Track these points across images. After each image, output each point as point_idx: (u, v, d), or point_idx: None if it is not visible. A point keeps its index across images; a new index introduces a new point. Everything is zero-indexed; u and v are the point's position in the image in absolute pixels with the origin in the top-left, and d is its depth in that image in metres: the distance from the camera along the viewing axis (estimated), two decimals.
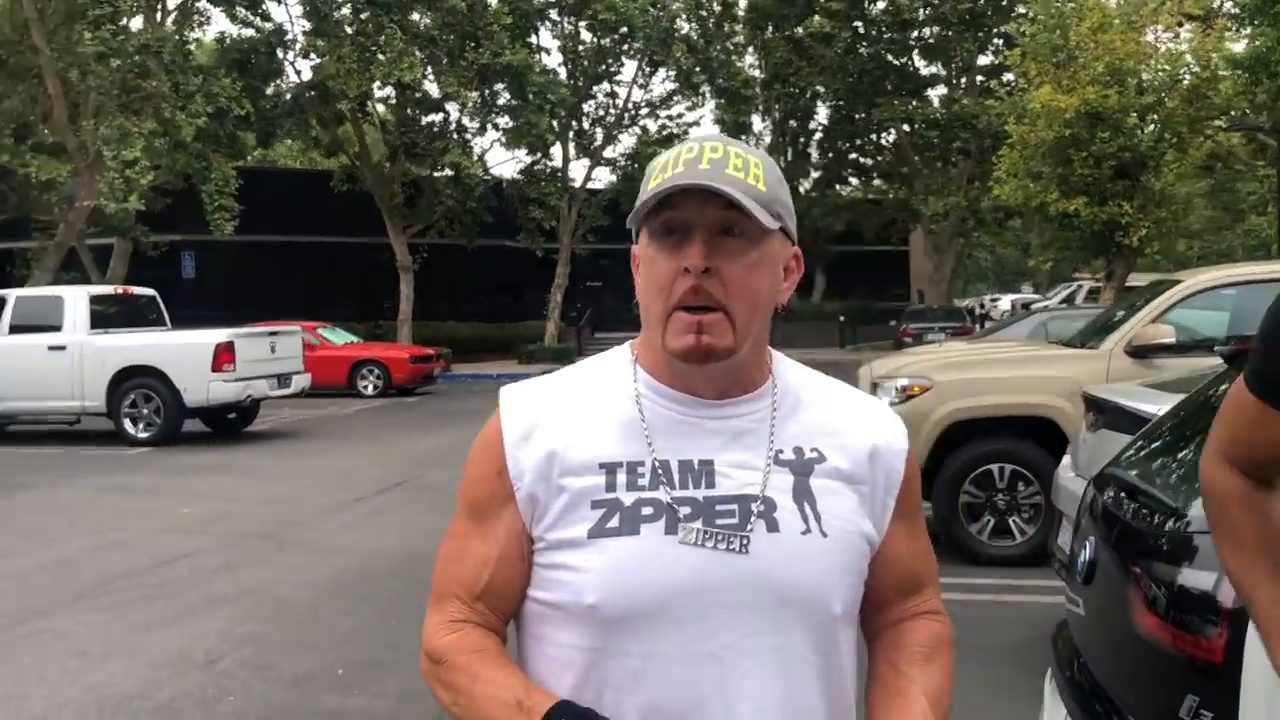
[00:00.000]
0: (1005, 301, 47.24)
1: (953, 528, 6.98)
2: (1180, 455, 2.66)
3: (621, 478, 1.27)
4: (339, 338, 22.26)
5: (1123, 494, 2.57)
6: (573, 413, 1.32)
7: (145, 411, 13.96)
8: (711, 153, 1.26)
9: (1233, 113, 18.52)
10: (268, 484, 10.91)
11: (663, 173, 1.26)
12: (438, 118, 27.64)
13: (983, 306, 43.14)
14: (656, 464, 1.28)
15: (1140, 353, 6.82)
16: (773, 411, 1.33)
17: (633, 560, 1.24)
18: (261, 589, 6.77)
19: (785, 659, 1.26)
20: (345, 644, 5.67)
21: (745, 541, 1.25)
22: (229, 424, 15.21)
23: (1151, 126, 17.28)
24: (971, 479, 6.97)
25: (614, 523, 1.25)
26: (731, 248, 1.25)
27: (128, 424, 13.96)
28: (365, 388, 21.04)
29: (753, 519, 1.26)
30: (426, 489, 10.43)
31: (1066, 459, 5.58)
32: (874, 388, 7.39)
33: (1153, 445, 2.82)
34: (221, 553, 7.80)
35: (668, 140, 30.21)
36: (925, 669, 1.36)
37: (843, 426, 1.36)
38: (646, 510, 1.25)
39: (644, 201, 1.25)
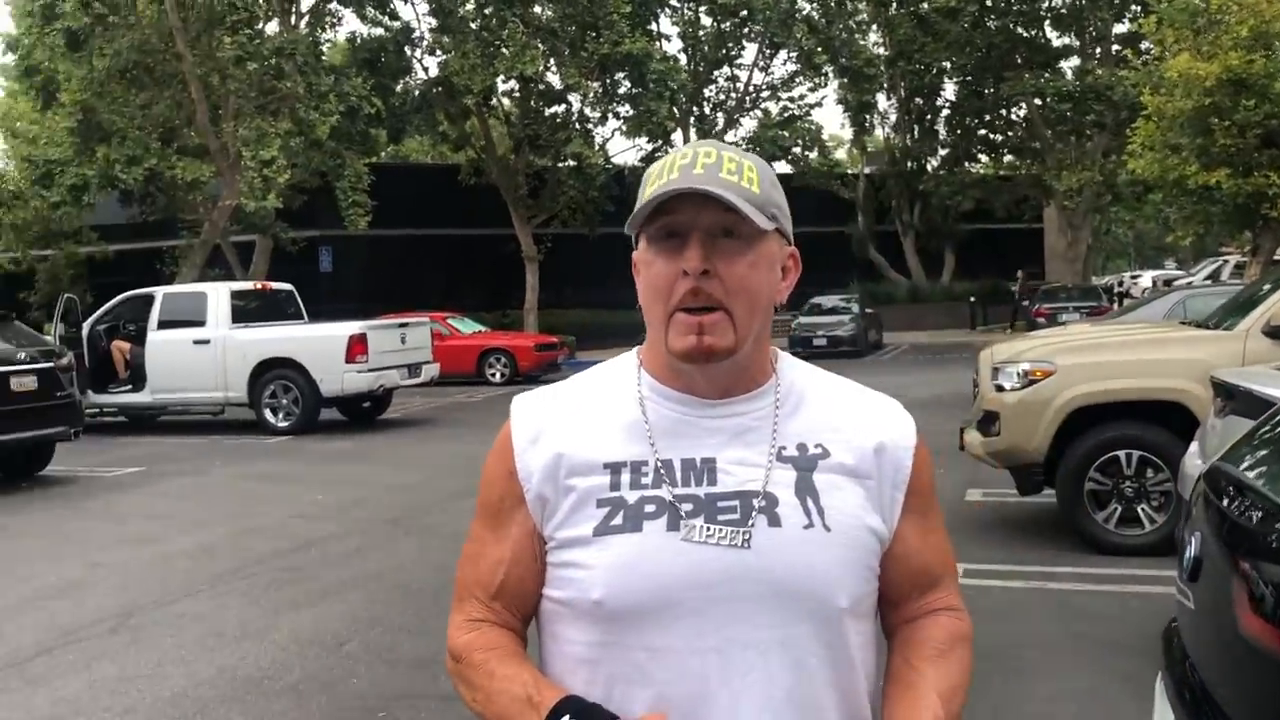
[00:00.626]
0: (1146, 278, 45.37)
1: (1078, 516, 6.78)
2: None
3: (625, 477, 1.31)
4: (467, 327, 22.77)
5: (1231, 487, 2.47)
6: (579, 416, 1.36)
7: (284, 401, 14.55)
8: (705, 158, 1.28)
9: None
10: (398, 470, 11.26)
11: (658, 179, 1.29)
12: (560, 109, 27.97)
13: (1122, 284, 41.52)
14: (659, 463, 1.31)
15: (1279, 334, 6.50)
16: (775, 409, 1.35)
17: (636, 556, 1.27)
18: (388, 573, 7.01)
19: (790, 652, 1.28)
20: None
21: (747, 537, 1.27)
22: (363, 413, 15.73)
23: None
24: (1097, 465, 6.75)
25: (618, 520, 1.29)
26: (729, 249, 1.27)
27: (268, 414, 14.57)
28: (493, 375, 21.47)
29: (754, 514, 1.28)
30: None
31: (1194, 446, 5.37)
32: (995, 372, 7.22)
33: (1266, 436, 2.70)
34: (352, 538, 8.10)
35: (789, 122, 29.95)
36: (939, 665, 1.37)
37: (847, 423, 1.37)
38: (649, 508, 1.29)
39: (641, 208, 1.28)
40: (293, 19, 24.96)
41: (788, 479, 1.31)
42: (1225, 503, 2.43)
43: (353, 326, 14.55)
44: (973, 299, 33.42)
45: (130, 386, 15.34)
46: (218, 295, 15.17)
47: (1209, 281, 28.47)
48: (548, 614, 1.37)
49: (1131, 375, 6.84)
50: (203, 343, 14.73)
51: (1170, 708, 2.57)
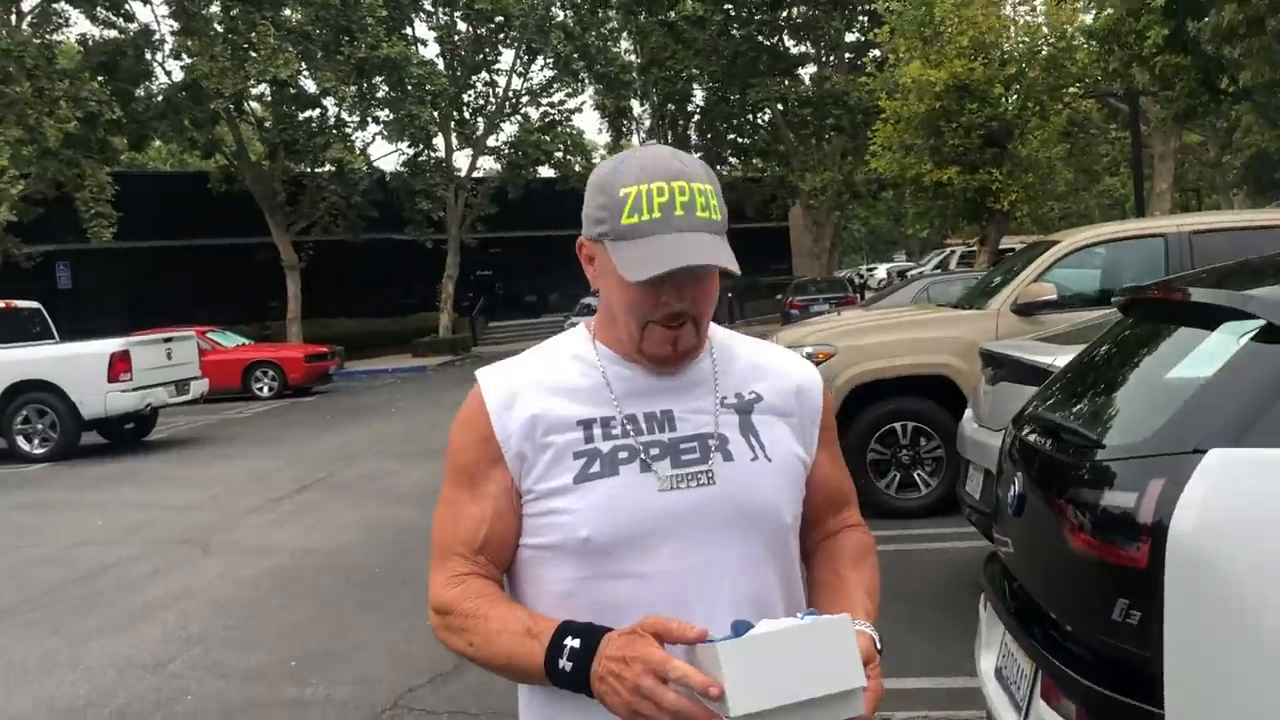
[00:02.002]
0: (881, 270, 48.53)
1: (862, 484, 7.37)
2: (1093, 395, 3.01)
3: (597, 430, 1.51)
4: (229, 340, 21.87)
5: (1044, 432, 2.90)
6: (546, 382, 1.56)
7: (40, 427, 13.60)
8: (680, 195, 1.46)
9: (1086, 81, 19.52)
10: (179, 491, 10.79)
11: (637, 213, 1.45)
12: (316, 113, 27.23)
13: (860, 276, 44.28)
14: (624, 418, 1.52)
15: (1026, 310, 7.29)
16: (714, 366, 1.60)
17: (616, 497, 1.48)
18: (196, 592, 6.80)
19: (751, 564, 1.52)
20: (292, 638, 5.77)
21: (710, 476, 1.51)
22: (127, 434, 14.89)
23: (1015, 96, 18.07)
24: (877, 438, 7.38)
25: (596, 468, 1.49)
26: (702, 278, 1.49)
27: (21, 441, 13.58)
28: (260, 390, 20.73)
29: (711, 452, 1.52)
30: (343, 486, 10.46)
31: (969, 412, 5.98)
32: None
33: (1066, 390, 3.16)
34: (148, 560, 7.77)
35: (550, 127, 30.26)
36: (858, 570, 1.65)
37: (769, 370, 1.64)
38: (623, 455, 1.50)
39: (647, 275, 1.41)
40: (13, 19, 23.20)
41: (733, 421, 1.56)
42: (1040, 446, 2.85)
43: (114, 343, 13.74)
44: (730, 294, 34.83)
45: None
46: None
47: (938, 271, 30.87)
48: (526, 560, 1.54)
49: (902, 354, 7.51)
50: None
51: (1000, 625, 2.98)
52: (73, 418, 13.47)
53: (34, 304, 15.41)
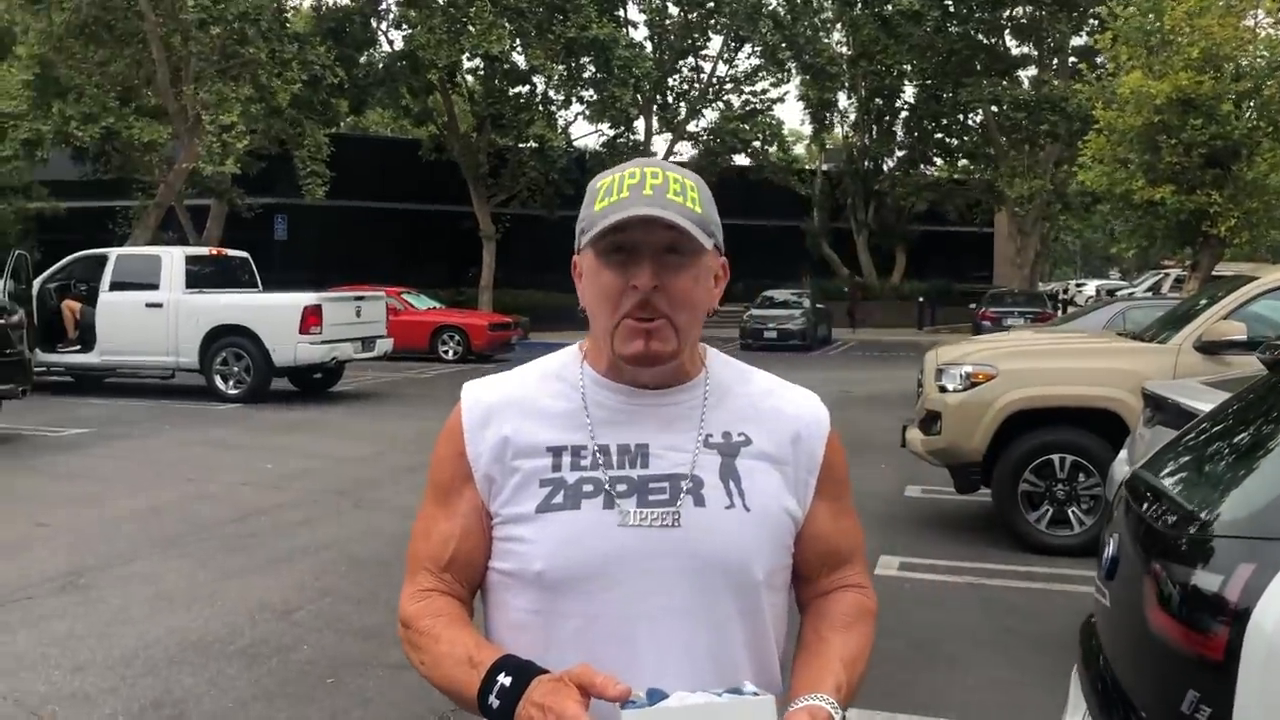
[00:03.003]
0: (1091, 287, 46.23)
1: (1011, 515, 7.04)
2: (1206, 458, 2.75)
3: (566, 459, 1.45)
4: (422, 303, 22.75)
5: (1147, 493, 2.67)
6: (524, 403, 1.51)
7: (235, 369, 14.51)
8: (653, 179, 1.41)
9: None
10: (348, 443, 11.31)
11: (608, 196, 1.41)
12: (524, 89, 27.94)
13: (1067, 291, 42.32)
14: (597, 448, 1.45)
15: (1210, 349, 6.78)
16: (704, 400, 1.50)
17: (574, 532, 1.41)
18: (337, 544, 7.10)
19: (712, 618, 1.43)
20: None
21: (676, 517, 1.42)
22: (314, 384, 15.71)
23: (1248, 114, 16.79)
24: (1032, 468, 7.01)
25: (559, 499, 1.43)
26: (674, 264, 1.41)
27: (218, 380, 14.52)
28: (445, 353, 21.49)
29: (682, 495, 1.43)
30: None
31: (1123, 453, 5.62)
32: (939, 373, 7.46)
33: (1185, 446, 2.90)
34: (301, 508, 8.16)
35: (750, 116, 30.10)
36: (844, 635, 1.52)
37: (768, 414, 1.53)
38: (587, 488, 1.43)
39: (598, 229, 1.39)
40: None
41: (713, 464, 1.46)
42: (1143, 507, 2.63)
43: (307, 297, 14.52)
44: (922, 299, 33.92)
45: (79, 347, 15.21)
46: (172, 259, 15.07)
47: (1149, 294, 29.14)
48: (493, 584, 1.51)
49: (1069, 383, 7.10)
50: (155, 306, 14.63)
51: (1084, 698, 2.77)
52: (265, 363, 14.31)
53: (243, 253, 16.41)
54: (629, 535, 1.41)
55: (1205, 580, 2.16)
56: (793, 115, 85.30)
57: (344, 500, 8.45)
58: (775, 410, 1.54)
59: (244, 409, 13.90)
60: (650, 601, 1.41)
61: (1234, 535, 2.17)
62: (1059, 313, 26.83)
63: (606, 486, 1.43)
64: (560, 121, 28.40)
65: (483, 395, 1.53)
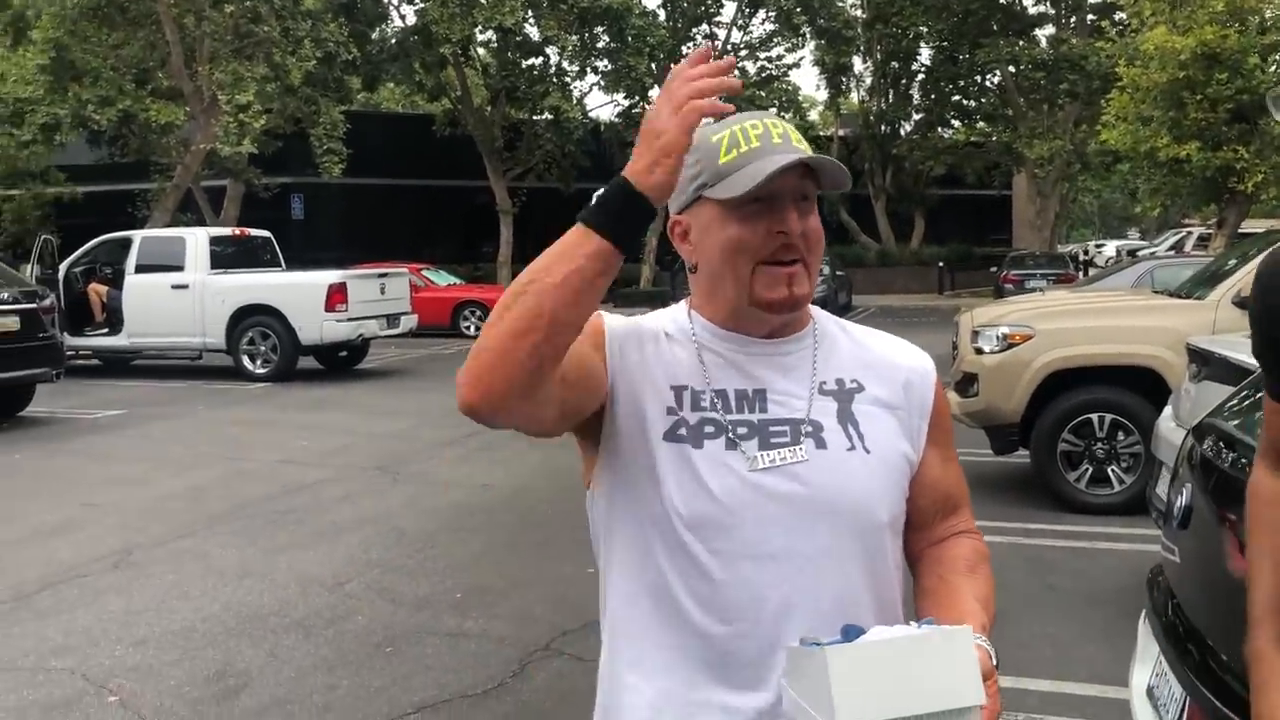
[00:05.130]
0: (1110, 248, 45.90)
1: (1051, 475, 7.04)
2: None
3: (687, 398, 1.45)
4: (442, 279, 22.78)
5: (1221, 443, 2.68)
6: (646, 347, 1.50)
7: (262, 349, 14.59)
8: (774, 128, 1.43)
9: None
10: (380, 419, 11.37)
11: (735, 147, 1.42)
12: (538, 61, 27.84)
13: (1087, 253, 42.05)
14: (714, 393, 1.46)
15: (1249, 305, 6.73)
16: (814, 349, 1.52)
17: (698, 470, 1.42)
18: (381, 518, 7.16)
19: (837, 561, 1.43)
20: (461, 571, 6.01)
21: (802, 460, 1.43)
22: (340, 362, 15.78)
23: (1274, 67, 16.64)
24: (1071, 428, 7.01)
25: (683, 432, 1.43)
26: (807, 210, 1.44)
27: (246, 360, 14.61)
28: (468, 328, 21.52)
29: (803, 438, 1.44)
30: None
31: (1168, 409, 5.60)
32: (974, 335, 7.44)
33: (1254, 396, 2.90)
34: (342, 483, 8.23)
35: (767, 82, 29.90)
36: (971, 579, 1.52)
37: (877, 360, 1.54)
38: (709, 429, 1.43)
39: (755, 181, 1.37)
40: None
41: (830, 408, 1.47)
42: (1216, 458, 2.64)
43: (332, 275, 14.58)
44: (942, 264, 33.75)
45: (107, 329, 15.32)
46: (196, 240, 15.13)
47: (1172, 253, 28.94)
48: (614, 518, 1.49)
49: (1106, 341, 7.08)
50: (181, 287, 14.71)
51: (1154, 643, 2.79)
52: (292, 342, 14.38)
53: (265, 233, 16.45)
54: (757, 476, 1.42)
55: None
56: (808, 81, 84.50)
57: (383, 475, 8.51)
58: (884, 359, 1.56)
59: (272, 388, 13.98)
60: (775, 543, 1.41)
61: None
62: (1081, 274, 26.69)
63: (729, 431, 1.44)
64: (575, 93, 28.34)
65: (616, 322, 1.52)
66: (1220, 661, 2.35)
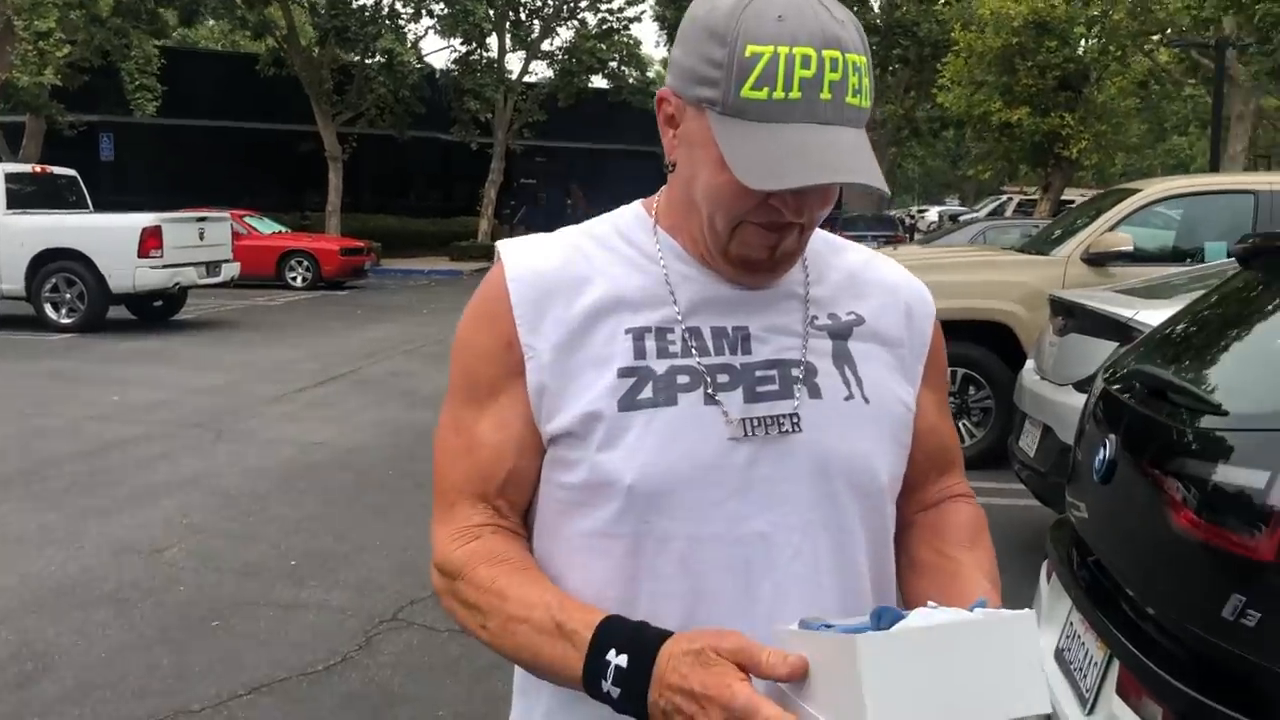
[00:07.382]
0: (933, 213, 47.55)
1: None
2: (1208, 355, 2.62)
3: (650, 344, 1.13)
4: (266, 227, 21.65)
5: (1144, 390, 2.52)
6: (588, 274, 1.16)
7: (68, 296, 13.44)
8: (831, 71, 1.03)
9: (1173, 28, 18.62)
10: (201, 373, 10.59)
11: (769, 86, 1.02)
12: (369, 1, 26.63)
13: (911, 217, 43.41)
14: (686, 331, 1.14)
15: (1098, 260, 6.84)
16: (805, 274, 1.20)
17: (671, 433, 1.10)
18: (202, 479, 6.58)
19: (835, 532, 1.15)
20: (294, 536, 5.54)
21: (796, 421, 1.12)
22: (155, 312, 14.72)
23: (1097, 39, 17.30)
24: None
25: (647, 393, 1.11)
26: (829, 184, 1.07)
27: (49, 309, 13.45)
28: (294, 279, 20.53)
29: (795, 385, 1.14)
30: (366, 383, 10.23)
31: (1030, 363, 5.59)
32: None
33: (1172, 346, 2.77)
34: (158, 441, 7.57)
35: (607, 35, 29.50)
36: (973, 554, 1.25)
37: (872, 284, 1.24)
38: (682, 379, 1.11)
39: (779, 188, 1.03)
40: None
41: (825, 348, 1.17)
42: (1144, 408, 2.47)
43: (146, 218, 13.49)
44: None
45: None
46: None
47: (994, 219, 30.13)
48: (554, 504, 1.17)
49: (960, 296, 7.07)
50: None
51: (1067, 599, 2.63)
52: (100, 290, 13.29)
53: (71, 171, 15.16)
54: (738, 435, 1.11)
55: (1245, 478, 2.02)
56: (649, 36, 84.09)
57: (204, 432, 7.87)
58: (881, 283, 1.24)
59: (78, 339, 12.91)
60: (765, 516, 1.11)
61: (1273, 429, 2.02)
62: (909, 237, 27.48)
63: (706, 377, 1.12)
64: (410, 36, 27.24)
65: (534, 261, 1.16)
66: (1149, 618, 2.20)
